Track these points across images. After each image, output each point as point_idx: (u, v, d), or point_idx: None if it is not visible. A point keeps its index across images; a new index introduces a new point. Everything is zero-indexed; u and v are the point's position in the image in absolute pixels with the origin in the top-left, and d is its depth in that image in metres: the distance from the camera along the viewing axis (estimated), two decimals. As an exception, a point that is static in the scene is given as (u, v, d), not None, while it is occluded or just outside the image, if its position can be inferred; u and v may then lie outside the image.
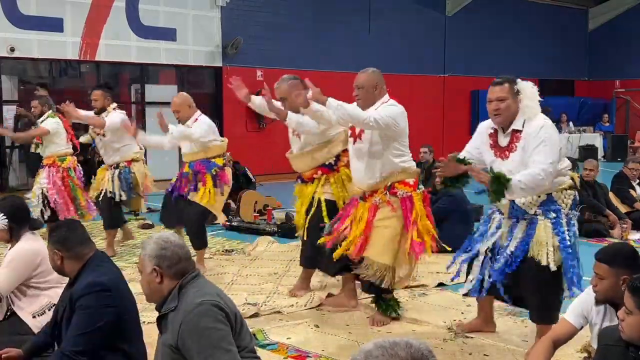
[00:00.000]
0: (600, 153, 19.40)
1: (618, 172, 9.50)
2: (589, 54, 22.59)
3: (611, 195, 8.98)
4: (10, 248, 3.97)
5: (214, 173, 6.40)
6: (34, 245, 3.88)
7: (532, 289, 4.16)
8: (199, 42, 14.85)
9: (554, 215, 4.12)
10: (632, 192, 9.10)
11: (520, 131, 4.13)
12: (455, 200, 7.55)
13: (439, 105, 18.34)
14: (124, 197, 7.27)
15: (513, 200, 4.19)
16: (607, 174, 11.19)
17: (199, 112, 6.59)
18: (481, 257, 4.38)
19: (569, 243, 4.10)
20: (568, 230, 4.13)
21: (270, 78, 14.97)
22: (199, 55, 14.90)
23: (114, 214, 7.34)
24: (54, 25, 12.95)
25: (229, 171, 6.60)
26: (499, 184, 3.94)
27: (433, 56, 18.67)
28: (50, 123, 7.75)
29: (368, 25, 17.29)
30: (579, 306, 3.48)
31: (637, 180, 9.27)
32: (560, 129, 18.93)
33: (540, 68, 20.88)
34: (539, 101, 4.18)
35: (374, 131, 4.73)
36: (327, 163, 5.47)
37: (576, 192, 4.24)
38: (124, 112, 7.43)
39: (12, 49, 12.57)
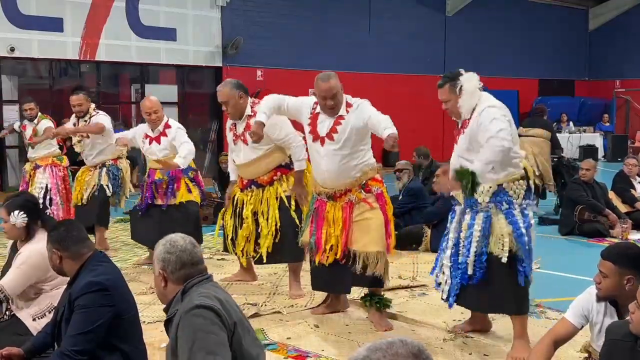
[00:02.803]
0: (601, 153, 19.41)
1: (619, 171, 9.51)
2: (589, 54, 22.60)
3: (612, 194, 8.98)
4: (15, 243, 3.94)
5: (192, 176, 6.46)
6: (44, 247, 3.84)
7: (499, 281, 4.19)
8: (199, 42, 14.86)
9: (506, 206, 4.17)
10: (632, 191, 9.10)
11: (469, 119, 4.26)
12: (452, 199, 7.54)
13: (438, 105, 18.29)
14: (110, 192, 7.28)
15: None
16: (608, 174, 11.19)
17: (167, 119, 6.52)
18: (448, 253, 4.43)
19: (522, 231, 4.16)
20: (523, 220, 4.18)
21: (270, 78, 15.08)
22: (199, 55, 14.91)
23: (105, 210, 7.36)
24: (54, 25, 12.96)
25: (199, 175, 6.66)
26: (465, 178, 4.05)
27: (433, 56, 18.68)
28: (48, 125, 7.81)
29: (368, 25, 17.31)
30: (580, 306, 3.48)
31: (638, 179, 9.28)
32: (560, 129, 18.94)
33: (541, 68, 20.90)
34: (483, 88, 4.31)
35: (352, 131, 4.66)
36: (283, 164, 5.53)
37: (529, 182, 4.26)
38: (104, 113, 7.41)
39: (12, 49, 12.58)
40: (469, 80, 4.26)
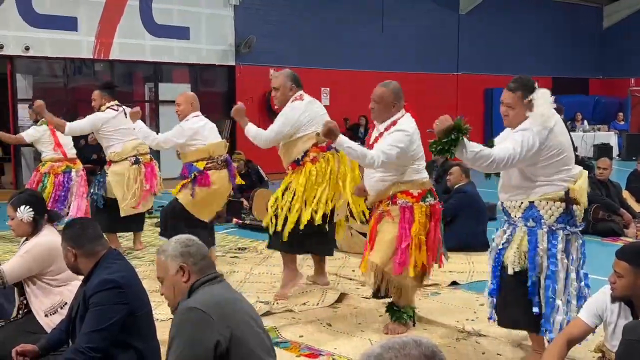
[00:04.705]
0: (615, 152, 19.26)
1: (633, 170, 9.44)
2: (603, 52, 22.45)
3: (626, 194, 8.92)
4: (26, 239, 3.99)
5: (193, 177, 6.29)
6: (52, 240, 3.87)
7: (510, 295, 4.04)
8: (212, 41, 14.90)
9: (532, 223, 3.96)
10: (647, 190, 9.05)
11: None
12: (466, 197, 7.52)
13: (452, 103, 18.29)
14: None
15: (502, 202, 4.16)
16: (622, 173, 11.12)
17: (196, 114, 6.42)
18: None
19: (536, 253, 3.93)
20: (550, 242, 3.93)
21: (283, 76, 15.06)
22: (212, 54, 14.95)
23: (98, 218, 6.51)
24: (69, 24, 13.05)
25: (215, 174, 6.33)
26: (453, 135, 3.74)
27: (446, 54, 18.63)
28: (30, 131, 8.14)
29: (381, 23, 17.28)
30: (594, 305, 3.47)
31: (652, 178, 9.23)
32: (574, 128, 18.83)
33: (555, 66, 20.78)
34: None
35: None
36: (295, 159, 5.54)
37: (568, 206, 3.96)
38: (118, 109, 7.14)
39: (27, 48, 12.67)
40: (544, 95, 3.96)
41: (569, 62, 21.16)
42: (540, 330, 3.99)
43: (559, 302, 3.92)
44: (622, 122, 21.07)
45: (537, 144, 3.83)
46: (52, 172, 8.00)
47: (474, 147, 3.77)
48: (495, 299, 4.17)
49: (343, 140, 4.53)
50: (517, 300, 4.01)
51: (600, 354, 3.65)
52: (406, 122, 4.69)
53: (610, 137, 19.65)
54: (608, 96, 21.91)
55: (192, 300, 2.72)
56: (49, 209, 4.25)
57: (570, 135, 4.63)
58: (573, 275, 4.00)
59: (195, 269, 2.80)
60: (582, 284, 4.06)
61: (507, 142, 3.88)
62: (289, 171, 5.61)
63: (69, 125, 7.15)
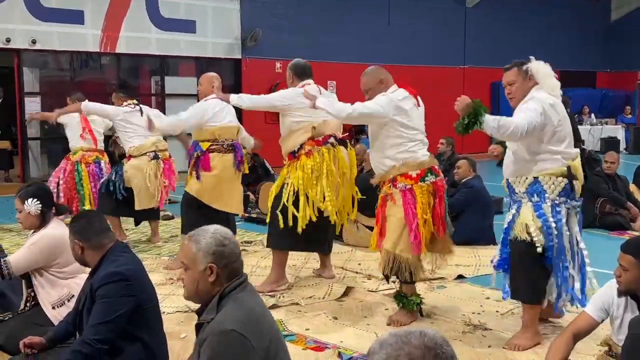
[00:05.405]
0: (622, 145, 19.19)
1: (640, 164, 9.41)
2: (611, 45, 22.31)
3: (633, 187, 8.90)
4: (34, 232, 4.01)
5: (196, 156, 6.21)
6: (59, 233, 3.90)
7: (517, 267, 4.31)
8: (218, 34, 14.90)
9: (536, 198, 4.24)
10: (654, 184, 9.02)
11: None
12: (473, 192, 7.50)
13: (458, 97, 18.25)
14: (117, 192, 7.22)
15: (507, 179, 4.42)
16: (629, 167, 11.08)
17: (214, 95, 6.31)
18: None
19: (549, 225, 4.19)
20: (553, 216, 4.21)
21: (289, 70, 15.05)
22: (218, 47, 14.95)
23: (104, 201, 7.25)
24: (75, 17, 13.06)
25: (217, 158, 6.21)
26: (475, 113, 4.07)
27: (453, 48, 18.57)
28: (65, 116, 8.15)
29: (388, 16, 17.23)
30: (600, 299, 3.47)
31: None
32: (581, 121, 18.75)
33: (562, 59, 20.63)
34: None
35: (371, 124, 4.86)
36: (292, 150, 5.57)
37: (571, 182, 4.26)
38: (135, 107, 7.28)
39: (34, 41, 12.69)
40: (542, 65, 4.35)
41: (576, 55, 21.05)
42: (538, 301, 4.34)
43: (572, 272, 4.24)
44: (630, 116, 20.97)
45: (544, 107, 4.16)
46: (84, 161, 8.07)
47: (494, 117, 4.08)
48: (505, 272, 4.46)
49: (320, 101, 4.86)
50: (523, 271, 4.27)
51: (606, 348, 3.65)
52: (395, 91, 4.80)
53: (618, 131, 19.58)
54: (615, 89, 21.80)
55: (224, 317, 2.51)
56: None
57: (577, 127, 4.86)
58: (582, 245, 4.33)
59: (225, 272, 2.61)
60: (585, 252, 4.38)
61: (522, 113, 4.15)
62: (285, 162, 5.65)
63: (85, 103, 7.36)
